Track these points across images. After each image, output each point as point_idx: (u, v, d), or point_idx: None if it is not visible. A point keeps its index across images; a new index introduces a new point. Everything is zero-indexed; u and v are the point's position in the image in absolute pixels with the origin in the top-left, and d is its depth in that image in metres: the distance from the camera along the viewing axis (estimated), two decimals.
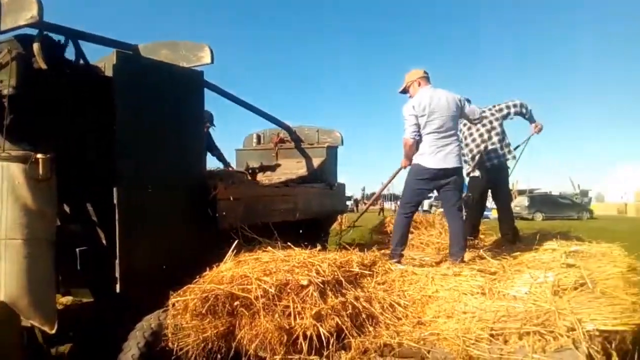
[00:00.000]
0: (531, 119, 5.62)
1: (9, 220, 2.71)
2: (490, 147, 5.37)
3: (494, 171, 5.39)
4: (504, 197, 5.69)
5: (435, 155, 4.23)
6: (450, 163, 4.25)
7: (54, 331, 2.86)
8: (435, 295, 3.34)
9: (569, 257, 4.14)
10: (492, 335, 2.66)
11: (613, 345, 2.57)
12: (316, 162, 5.80)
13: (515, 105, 5.51)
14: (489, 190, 5.66)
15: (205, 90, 3.98)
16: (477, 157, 5.39)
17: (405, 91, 4.56)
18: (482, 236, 6.00)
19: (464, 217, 5.73)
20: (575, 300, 3.00)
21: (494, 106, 5.54)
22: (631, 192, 45.15)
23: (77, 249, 3.23)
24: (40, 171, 2.77)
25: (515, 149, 5.69)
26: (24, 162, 2.72)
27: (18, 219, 2.72)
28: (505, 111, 5.49)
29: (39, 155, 2.76)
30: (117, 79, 3.14)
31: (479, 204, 5.70)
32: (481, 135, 5.34)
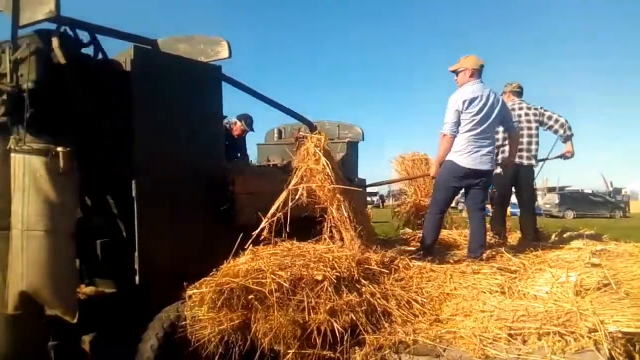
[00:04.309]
0: (566, 140, 5.58)
1: (30, 213, 2.78)
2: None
3: (517, 170, 5.29)
4: (526, 196, 5.60)
5: (470, 155, 4.15)
6: (484, 165, 4.20)
7: (75, 320, 2.92)
8: (454, 292, 3.30)
9: (593, 257, 4.05)
10: (510, 335, 2.62)
11: (637, 348, 2.50)
12: (336, 157, 5.77)
13: (559, 124, 5.45)
14: (513, 188, 5.58)
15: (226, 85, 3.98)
16: (500, 155, 5.32)
17: (455, 72, 4.39)
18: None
19: (488, 214, 5.69)
20: (598, 301, 2.93)
21: (540, 108, 5.45)
22: None
23: (98, 241, 3.31)
24: (61, 164, 2.83)
25: (540, 160, 5.65)
26: (45, 155, 2.78)
27: (39, 211, 2.79)
28: (547, 122, 5.44)
29: (59, 149, 2.81)
30: (135, 74, 3.18)
31: (503, 201, 5.63)
32: (505, 131, 5.24)
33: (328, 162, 3.68)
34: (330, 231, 3.65)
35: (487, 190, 4.46)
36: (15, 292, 2.80)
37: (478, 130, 4.15)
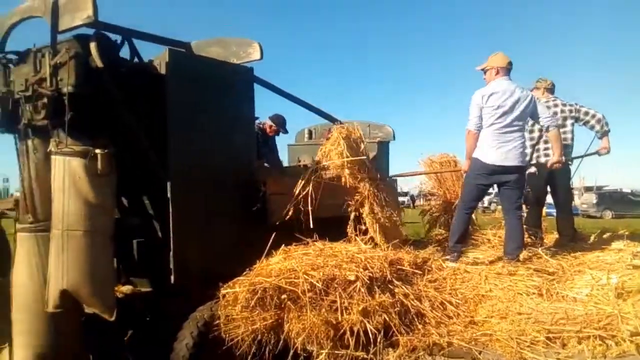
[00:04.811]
0: (602, 136, 5.38)
1: (70, 213, 2.85)
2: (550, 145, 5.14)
3: (552, 169, 5.16)
4: (562, 196, 5.44)
5: (496, 150, 4.11)
6: (512, 161, 4.12)
7: (113, 318, 2.99)
8: (489, 294, 3.25)
9: (635, 258, 3.92)
10: (548, 338, 2.58)
11: None
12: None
13: (596, 119, 5.26)
14: (548, 187, 5.44)
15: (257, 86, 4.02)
16: (535, 153, 5.20)
17: (484, 71, 4.42)
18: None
19: (524, 215, 5.55)
20: None
21: (575, 104, 5.30)
22: None
23: (135, 241, 3.38)
24: (99, 166, 2.90)
25: (576, 158, 5.49)
26: (84, 157, 2.86)
27: (79, 211, 2.86)
28: (583, 118, 5.28)
29: (98, 151, 2.88)
30: (170, 76, 3.23)
31: (538, 201, 5.50)
32: (540, 130, 5.12)
33: (345, 143, 3.74)
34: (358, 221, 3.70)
35: (522, 189, 4.36)
36: (56, 291, 2.88)
37: (502, 125, 4.10)
